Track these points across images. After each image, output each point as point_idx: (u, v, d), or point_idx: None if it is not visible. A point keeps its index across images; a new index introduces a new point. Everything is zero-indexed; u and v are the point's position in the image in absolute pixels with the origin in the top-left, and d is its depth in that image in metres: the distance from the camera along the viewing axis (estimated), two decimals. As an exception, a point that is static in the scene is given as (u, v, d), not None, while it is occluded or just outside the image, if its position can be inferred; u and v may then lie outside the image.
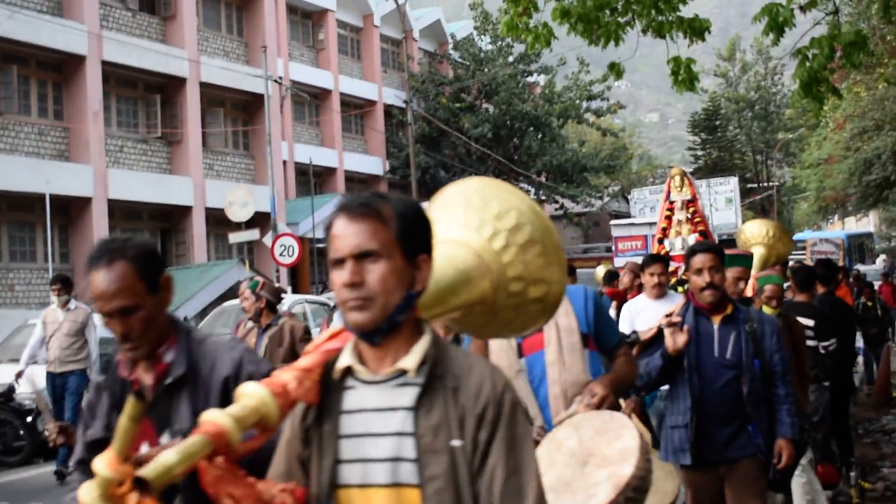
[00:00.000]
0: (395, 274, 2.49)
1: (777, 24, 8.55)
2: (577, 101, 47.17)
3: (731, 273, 7.03)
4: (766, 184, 75.68)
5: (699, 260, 5.91)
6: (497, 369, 2.58)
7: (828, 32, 8.84)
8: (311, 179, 36.39)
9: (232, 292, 25.99)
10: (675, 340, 5.85)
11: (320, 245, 36.40)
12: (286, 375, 2.58)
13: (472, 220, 3.33)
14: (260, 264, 32.30)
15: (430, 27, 49.68)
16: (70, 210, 28.29)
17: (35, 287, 27.24)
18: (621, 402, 6.80)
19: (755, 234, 10.38)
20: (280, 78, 34.79)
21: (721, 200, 48.18)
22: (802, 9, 9.06)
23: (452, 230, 3.31)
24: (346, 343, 2.69)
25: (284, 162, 36.69)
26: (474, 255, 3.23)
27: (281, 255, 26.11)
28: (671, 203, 17.96)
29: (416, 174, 36.41)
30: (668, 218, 17.82)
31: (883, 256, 49.54)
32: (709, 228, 18.33)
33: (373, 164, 45.17)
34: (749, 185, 71.56)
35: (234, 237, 27.62)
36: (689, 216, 17.69)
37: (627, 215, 53.18)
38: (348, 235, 2.50)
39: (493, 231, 3.29)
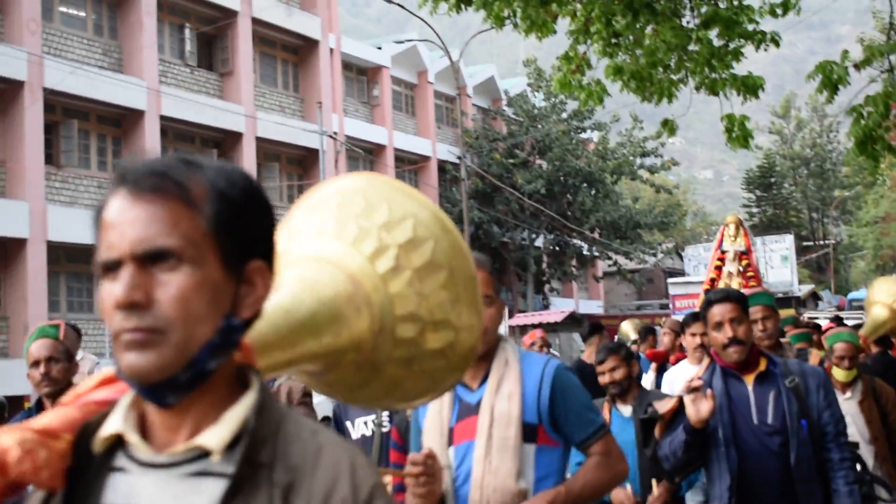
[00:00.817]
0: (204, 290, 1.53)
1: (831, 81, 8.52)
2: (631, 158, 47.18)
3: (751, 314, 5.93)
4: (822, 242, 74.97)
5: (717, 312, 4.89)
6: (363, 461, 1.63)
7: (882, 90, 8.80)
8: (365, 234, 36.53)
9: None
10: (697, 409, 4.68)
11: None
12: (6, 439, 1.58)
13: (348, 229, 2.29)
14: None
15: (483, 84, 49.95)
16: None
17: (91, 337, 27.53)
18: (654, 485, 6.05)
19: (883, 292, 9.34)
20: (335, 133, 35.14)
21: (776, 258, 47.81)
22: (857, 67, 9.03)
23: (318, 242, 2.28)
24: (122, 396, 1.67)
25: (338, 216, 36.88)
26: (348, 278, 2.18)
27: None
28: (723, 253, 16.44)
29: (470, 229, 36.51)
30: (718, 269, 16.28)
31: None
32: (762, 285, 16.39)
33: (426, 219, 45.27)
34: (805, 243, 70.96)
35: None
36: (742, 269, 16.10)
37: (681, 273, 52.95)
38: (128, 223, 1.53)
39: (379, 246, 2.26)
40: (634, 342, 13.87)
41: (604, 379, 6.44)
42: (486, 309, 3.42)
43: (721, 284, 15.48)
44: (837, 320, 16.05)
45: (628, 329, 14.60)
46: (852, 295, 48.62)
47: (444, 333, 2.31)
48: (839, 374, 7.27)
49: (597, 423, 3.76)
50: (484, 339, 3.38)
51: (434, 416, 3.77)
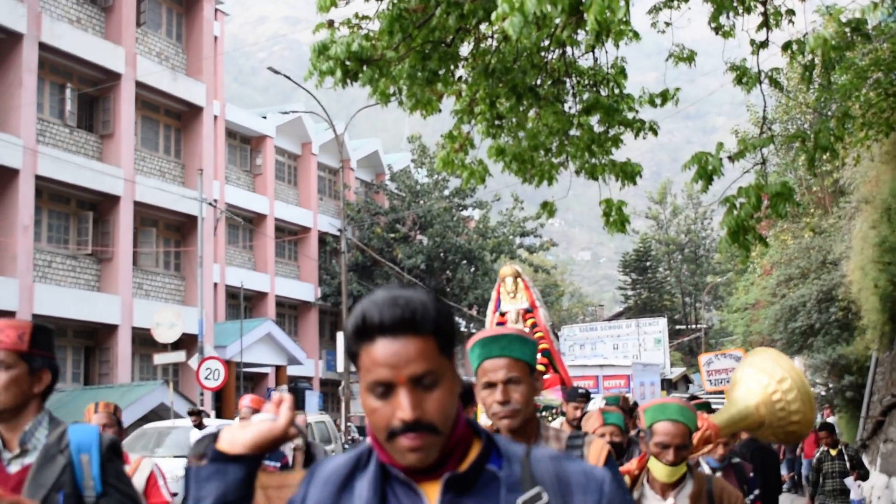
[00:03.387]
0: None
1: (706, 172, 8.71)
2: (511, 237, 47.70)
3: (496, 373, 3.62)
4: (694, 326, 76.47)
5: (382, 352, 2.07)
6: None
7: (755, 182, 9.03)
8: (242, 303, 36.16)
9: (155, 414, 25.54)
10: None
11: (247, 370, 36.00)
12: None
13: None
14: (184, 387, 31.82)
15: (367, 157, 50.18)
16: (-8, 324, 27.77)
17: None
18: None
19: (758, 370, 6.38)
20: (215, 201, 34.81)
21: (650, 340, 48.63)
22: (731, 158, 9.26)
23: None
24: None
25: (215, 284, 36.46)
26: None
27: (206, 378, 25.76)
28: (502, 315, 13.55)
29: (348, 302, 36.35)
30: None
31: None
32: (554, 346, 13.23)
33: (305, 290, 45.02)
34: (678, 327, 72.30)
35: (160, 358, 27.22)
36: (528, 331, 12.73)
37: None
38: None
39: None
40: None
41: None
42: None
43: None
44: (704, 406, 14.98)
45: None
46: None
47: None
48: (658, 470, 4.88)
49: None
50: None
51: None
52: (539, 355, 12.07)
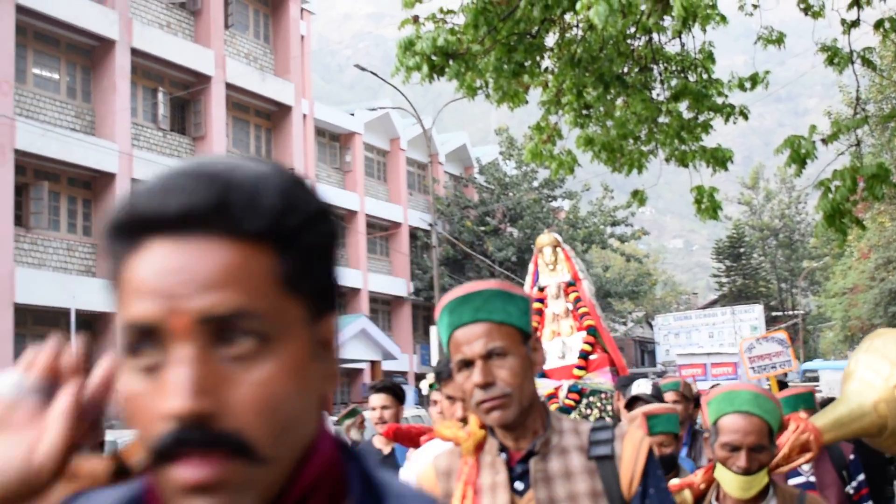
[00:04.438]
0: None
1: (799, 156, 8.60)
2: (601, 227, 47.37)
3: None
4: (791, 312, 75.31)
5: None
6: None
7: (850, 164, 8.88)
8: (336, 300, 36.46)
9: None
10: None
11: (343, 366, 36.28)
12: None
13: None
14: (281, 384, 32.21)
15: (455, 151, 50.23)
16: (95, 325, 28.39)
17: (56, 402, 27.15)
18: None
19: (875, 365, 4.66)
20: (307, 199, 35.14)
21: (746, 328, 48.06)
22: (824, 141, 9.12)
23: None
24: None
25: (309, 282, 36.80)
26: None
27: (302, 374, 26.02)
28: (541, 290, 11.80)
29: (440, 297, 36.39)
30: (540, 312, 11.49)
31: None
32: (601, 324, 11.73)
33: (397, 285, 45.25)
34: (774, 314, 71.25)
35: (256, 356, 27.59)
36: (571, 306, 11.62)
37: (651, 341, 53.03)
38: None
39: None
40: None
41: None
42: None
43: (547, 332, 11.31)
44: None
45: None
46: (806, 365, 44.90)
47: None
48: (728, 481, 3.62)
49: None
50: None
51: None
52: (585, 333, 11.30)
